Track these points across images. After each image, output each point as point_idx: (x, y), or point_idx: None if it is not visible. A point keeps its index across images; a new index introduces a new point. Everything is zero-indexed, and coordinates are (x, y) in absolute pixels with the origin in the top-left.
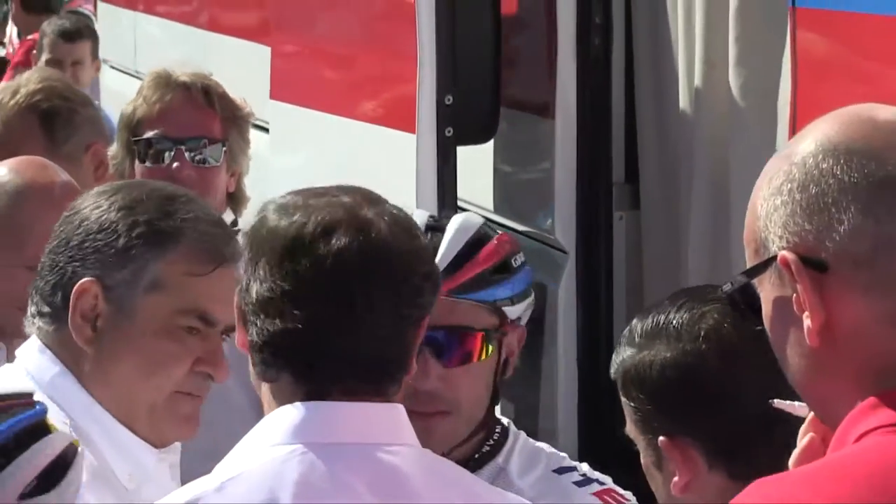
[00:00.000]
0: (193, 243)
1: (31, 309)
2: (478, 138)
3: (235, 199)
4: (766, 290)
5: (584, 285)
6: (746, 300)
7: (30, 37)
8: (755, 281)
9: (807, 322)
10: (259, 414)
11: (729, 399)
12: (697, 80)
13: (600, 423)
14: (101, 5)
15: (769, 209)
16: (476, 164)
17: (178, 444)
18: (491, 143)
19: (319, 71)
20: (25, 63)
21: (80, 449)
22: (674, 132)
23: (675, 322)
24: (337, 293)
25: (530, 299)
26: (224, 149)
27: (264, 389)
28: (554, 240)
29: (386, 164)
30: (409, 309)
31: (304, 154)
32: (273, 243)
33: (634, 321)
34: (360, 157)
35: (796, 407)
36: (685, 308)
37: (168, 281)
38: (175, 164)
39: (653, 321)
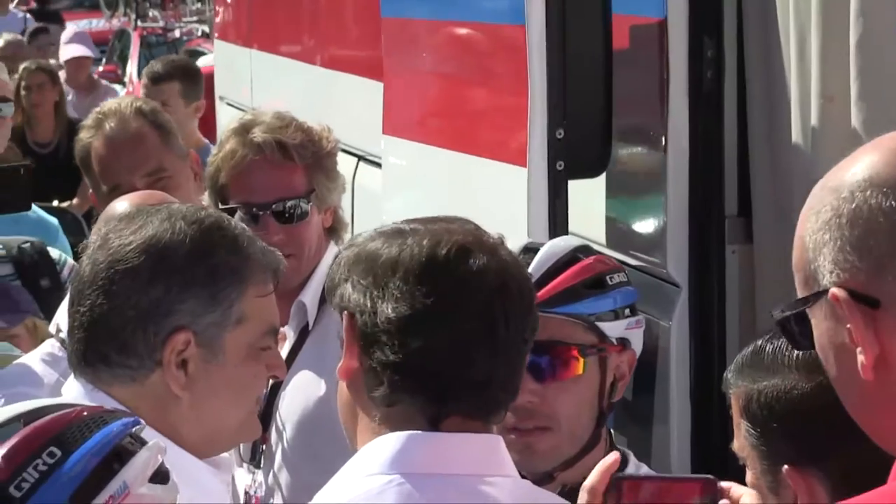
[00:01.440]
0: (258, 268)
1: (91, 370)
2: (589, 172)
3: (335, 231)
4: (819, 319)
5: (697, 320)
6: (799, 327)
7: None
8: (807, 309)
9: (860, 357)
10: None
11: (867, 439)
12: (814, 114)
13: (714, 458)
14: (217, 43)
15: (818, 243)
16: (588, 198)
17: (231, 461)
18: (603, 176)
19: (431, 105)
20: None
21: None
22: (788, 165)
23: (811, 352)
24: (480, 312)
25: (634, 320)
26: (310, 203)
27: (367, 418)
28: (666, 274)
29: (497, 197)
30: (529, 333)
31: (416, 188)
32: (408, 263)
33: (762, 342)
34: (472, 191)
35: None
36: None
37: (249, 311)
38: (263, 232)
39: (787, 348)
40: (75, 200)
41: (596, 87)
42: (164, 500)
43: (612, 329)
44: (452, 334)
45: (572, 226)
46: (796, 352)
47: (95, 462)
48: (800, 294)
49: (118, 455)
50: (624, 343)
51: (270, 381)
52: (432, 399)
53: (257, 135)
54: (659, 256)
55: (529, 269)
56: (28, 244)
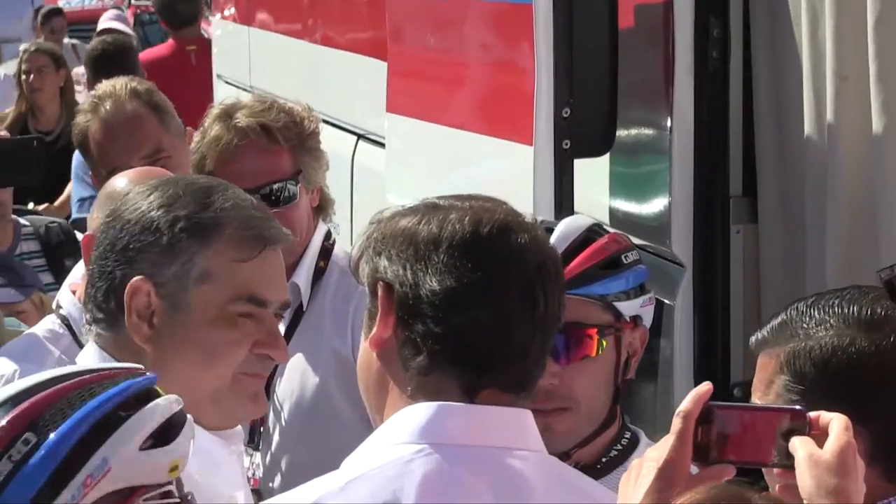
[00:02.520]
0: (236, 231)
1: (87, 317)
2: (595, 151)
3: (322, 209)
4: None
5: (701, 299)
6: None
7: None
8: None
9: None
10: (369, 429)
11: None
12: (827, 94)
13: None
14: (214, 21)
15: None
16: (593, 177)
17: (241, 433)
18: (608, 155)
19: (436, 84)
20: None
21: (188, 416)
22: (795, 146)
23: (866, 312)
24: (523, 288)
25: (647, 297)
26: (298, 184)
27: (398, 389)
28: (671, 253)
29: (503, 176)
30: (562, 310)
31: (420, 166)
32: (447, 239)
33: (803, 306)
34: (477, 170)
35: None
36: (876, 300)
37: (216, 270)
38: None
39: (840, 308)
40: (56, 203)
41: (602, 66)
42: (162, 462)
43: (628, 308)
44: (497, 309)
45: (577, 205)
46: (852, 311)
47: (71, 444)
48: None
49: (104, 427)
50: (636, 320)
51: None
52: (471, 371)
53: (241, 119)
54: (663, 236)
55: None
56: (55, 224)
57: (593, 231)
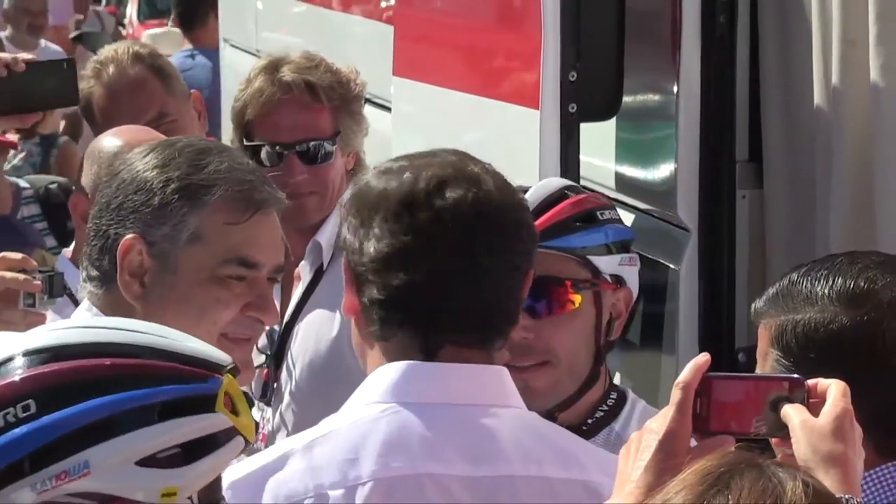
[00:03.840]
0: (228, 193)
1: (82, 274)
2: (601, 115)
3: (356, 173)
4: None
5: (707, 264)
6: None
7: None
8: None
9: None
10: None
11: None
12: (833, 60)
13: None
14: None
15: None
16: (599, 141)
17: None
18: (614, 120)
19: (443, 47)
20: None
21: (241, 441)
22: (802, 111)
23: (850, 285)
24: (458, 244)
25: (627, 256)
26: (335, 145)
27: (373, 352)
28: (676, 218)
29: (509, 140)
30: (520, 258)
31: (427, 130)
32: (386, 202)
33: (797, 275)
34: (483, 133)
35: None
36: (861, 271)
37: (207, 232)
38: (286, 170)
39: (827, 280)
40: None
41: (609, 29)
42: (153, 485)
43: (605, 264)
44: (430, 267)
45: (583, 169)
46: (836, 285)
47: (62, 432)
48: None
49: (107, 426)
50: (619, 281)
51: (283, 322)
52: (421, 331)
53: (286, 74)
54: (669, 200)
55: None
56: (55, 184)
57: (569, 188)
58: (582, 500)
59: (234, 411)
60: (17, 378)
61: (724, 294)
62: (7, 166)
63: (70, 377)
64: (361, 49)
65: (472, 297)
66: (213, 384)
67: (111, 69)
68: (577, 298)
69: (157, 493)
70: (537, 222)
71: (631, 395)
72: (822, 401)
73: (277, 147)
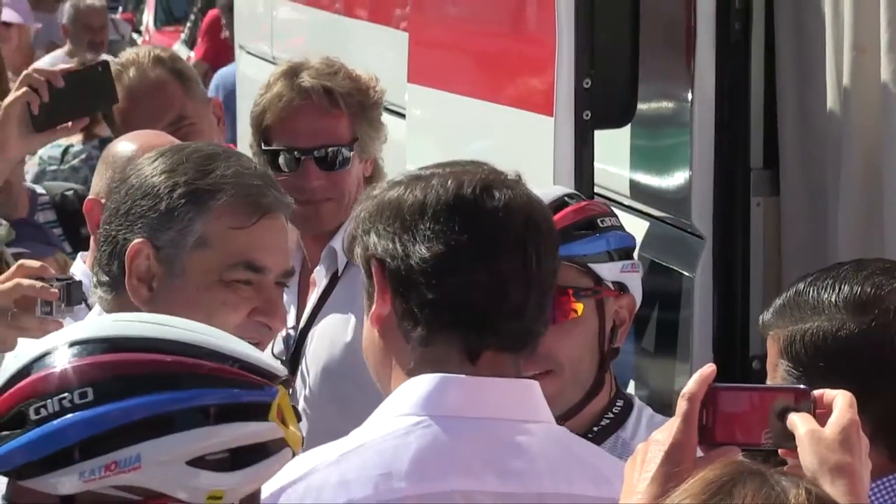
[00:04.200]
0: (234, 198)
1: (93, 279)
2: (615, 122)
3: (374, 181)
4: None
5: (721, 272)
6: None
7: None
8: None
9: None
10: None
11: None
12: (845, 66)
13: None
14: None
15: None
16: (613, 149)
17: None
18: (628, 127)
19: (457, 54)
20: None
21: (289, 453)
22: (817, 119)
23: (856, 292)
24: (513, 245)
25: (628, 262)
26: (352, 151)
27: (403, 361)
28: (691, 225)
29: (523, 147)
30: (557, 264)
31: (442, 136)
32: (431, 206)
33: (803, 285)
34: (497, 140)
35: None
36: (868, 278)
37: (213, 237)
38: (303, 176)
39: (833, 289)
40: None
41: (623, 36)
42: (201, 485)
43: (606, 271)
44: (489, 267)
45: (597, 176)
46: (842, 293)
47: (118, 423)
48: None
49: (164, 423)
50: (622, 288)
51: (299, 327)
52: (470, 333)
53: (305, 80)
54: (684, 208)
55: None
56: (71, 192)
57: (569, 196)
58: None
59: (284, 422)
60: (73, 365)
61: (739, 302)
62: (65, 166)
63: (130, 369)
64: (376, 56)
65: (523, 299)
66: (268, 393)
67: (132, 72)
68: (580, 307)
69: (204, 494)
70: None
71: (637, 402)
72: (829, 411)
73: (295, 152)
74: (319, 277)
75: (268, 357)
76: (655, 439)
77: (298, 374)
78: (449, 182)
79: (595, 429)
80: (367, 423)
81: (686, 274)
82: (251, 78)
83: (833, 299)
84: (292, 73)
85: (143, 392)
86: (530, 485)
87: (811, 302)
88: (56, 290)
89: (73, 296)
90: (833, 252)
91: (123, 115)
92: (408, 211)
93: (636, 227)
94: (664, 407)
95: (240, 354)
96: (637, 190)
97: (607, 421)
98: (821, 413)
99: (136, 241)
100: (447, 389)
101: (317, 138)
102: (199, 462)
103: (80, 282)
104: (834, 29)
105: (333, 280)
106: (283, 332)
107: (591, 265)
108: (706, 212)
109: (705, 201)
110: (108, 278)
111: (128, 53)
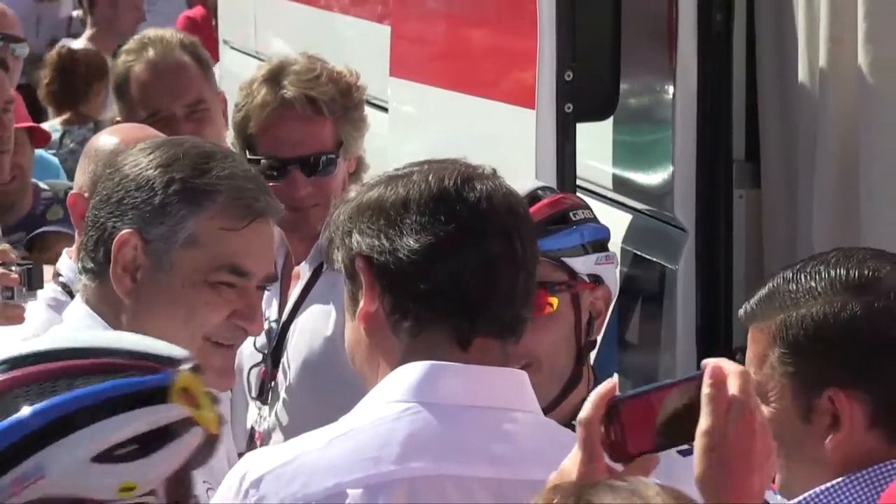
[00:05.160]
0: (228, 200)
1: (78, 266)
2: (597, 115)
3: (358, 174)
4: None
5: (704, 264)
6: None
7: None
8: None
9: None
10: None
11: None
12: (822, 58)
13: None
14: None
15: None
16: (595, 141)
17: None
18: (610, 119)
19: (439, 47)
20: None
21: (199, 432)
22: (797, 110)
23: (854, 274)
24: (499, 232)
25: (603, 255)
26: (338, 157)
27: (392, 352)
28: (673, 218)
29: (505, 140)
30: (538, 251)
31: (424, 130)
32: (415, 200)
33: (792, 273)
34: (479, 134)
35: None
36: (862, 262)
37: (203, 237)
38: (290, 184)
39: (827, 273)
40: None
41: (605, 29)
42: (106, 481)
43: (580, 265)
44: (479, 253)
45: (579, 169)
46: (839, 276)
47: (11, 440)
48: None
49: (59, 426)
50: (597, 280)
51: (281, 320)
52: (462, 319)
53: (288, 89)
54: (666, 200)
55: None
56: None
57: (542, 189)
58: None
59: (196, 405)
60: None
61: (722, 294)
62: (63, 150)
63: (19, 383)
64: (358, 50)
65: (512, 285)
66: (164, 376)
67: (156, 47)
68: (555, 301)
69: (115, 488)
70: None
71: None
72: (724, 386)
73: (280, 161)
74: (303, 270)
75: (167, 345)
76: (564, 469)
77: (280, 366)
78: (430, 177)
79: (574, 422)
80: (356, 409)
81: (669, 266)
82: (235, 73)
83: (828, 283)
84: (274, 78)
85: (34, 401)
86: (520, 472)
87: (803, 288)
88: (17, 276)
89: (34, 280)
90: (815, 244)
91: (143, 88)
92: (391, 207)
93: (618, 220)
94: None
95: (131, 346)
96: (619, 183)
97: None
98: (719, 389)
99: (125, 230)
100: (438, 377)
101: (302, 147)
102: (106, 458)
103: (41, 266)
104: (809, 20)
105: (316, 273)
106: (266, 326)
107: (565, 259)
108: (688, 204)
109: (687, 194)
110: (93, 265)
111: (151, 32)
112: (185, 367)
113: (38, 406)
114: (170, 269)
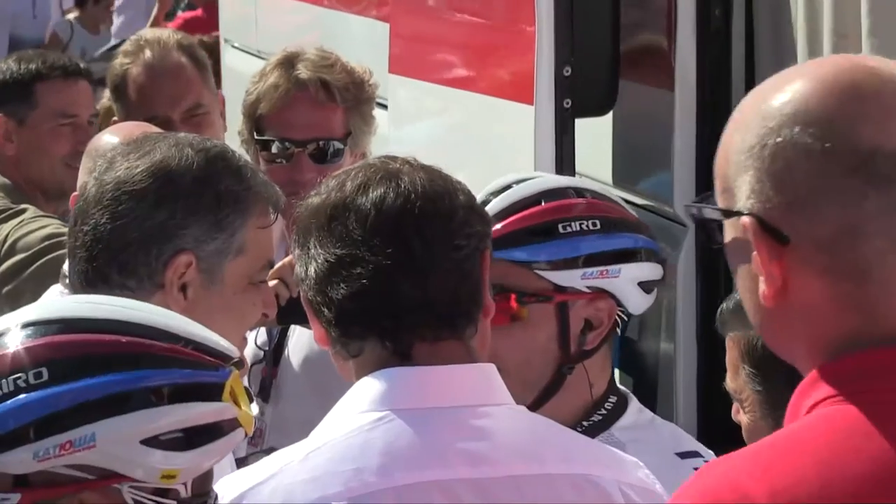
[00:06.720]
0: (262, 199)
1: (92, 290)
2: (596, 110)
3: None
4: (729, 233)
5: (704, 259)
6: (711, 229)
7: None
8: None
9: (762, 286)
10: None
11: None
12: (825, 52)
13: (721, 399)
14: None
15: (739, 165)
16: (595, 137)
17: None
18: (610, 115)
19: (438, 44)
20: None
21: (241, 433)
22: None
23: None
24: (390, 241)
25: (597, 270)
26: (346, 146)
27: (350, 368)
28: (673, 213)
29: (504, 136)
30: (463, 239)
31: (423, 126)
32: (317, 218)
33: None
34: (479, 130)
35: None
36: None
37: (248, 241)
38: (296, 168)
39: None
40: None
41: (604, 24)
42: (155, 464)
43: (559, 278)
44: (366, 271)
45: (579, 165)
46: None
47: (73, 403)
48: (718, 199)
49: (119, 402)
50: (599, 292)
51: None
52: (386, 337)
53: (302, 71)
54: (666, 195)
55: (492, 203)
56: None
57: (547, 195)
58: (586, 494)
59: (237, 403)
60: (27, 345)
61: (722, 289)
62: None
63: (84, 350)
64: (358, 47)
65: (421, 289)
66: (222, 374)
67: (153, 49)
68: (524, 311)
69: (158, 473)
70: (496, 228)
71: (635, 403)
72: None
73: (289, 144)
74: None
75: (221, 339)
76: None
77: (280, 364)
78: (330, 191)
79: (585, 423)
80: (325, 423)
81: (668, 260)
82: (237, 71)
83: None
84: (288, 63)
85: (97, 373)
86: (502, 468)
87: None
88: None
89: None
90: None
91: (141, 92)
92: (301, 231)
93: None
94: (649, 393)
95: (193, 336)
96: (619, 178)
97: (598, 417)
98: None
99: (184, 254)
100: (401, 383)
101: (311, 131)
102: (152, 441)
103: None
104: (810, 14)
105: None
106: None
107: (539, 272)
108: (689, 199)
109: (688, 188)
110: (135, 283)
111: (148, 32)
112: (233, 362)
113: (100, 379)
114: (222, 280)
